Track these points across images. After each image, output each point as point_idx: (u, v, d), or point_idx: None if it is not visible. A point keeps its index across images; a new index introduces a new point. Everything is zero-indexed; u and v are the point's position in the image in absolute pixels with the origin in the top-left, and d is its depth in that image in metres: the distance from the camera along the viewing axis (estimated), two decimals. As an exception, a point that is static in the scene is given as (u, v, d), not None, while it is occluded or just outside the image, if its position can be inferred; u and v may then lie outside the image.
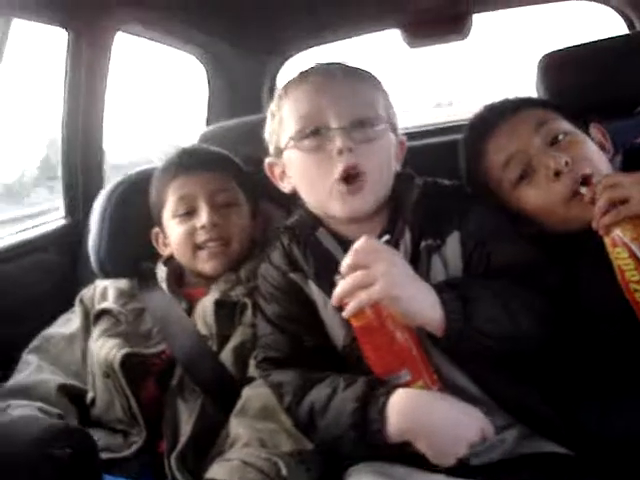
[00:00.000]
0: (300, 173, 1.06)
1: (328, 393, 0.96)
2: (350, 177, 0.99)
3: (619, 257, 0.90)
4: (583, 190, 1.00)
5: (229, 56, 2.39)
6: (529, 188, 1.10)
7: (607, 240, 0.92)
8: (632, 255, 0.88)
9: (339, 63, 1.09)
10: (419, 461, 0.88)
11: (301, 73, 1.08)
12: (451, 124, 2.25)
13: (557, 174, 1.04)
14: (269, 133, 1.12)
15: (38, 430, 0.87)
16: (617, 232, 0.90)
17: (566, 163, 1.04)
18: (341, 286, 0.87)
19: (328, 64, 1.09)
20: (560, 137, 1.09)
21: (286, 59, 2.60)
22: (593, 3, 2.39)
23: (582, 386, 0.98)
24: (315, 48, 2.58)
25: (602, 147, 1.14)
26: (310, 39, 2.52)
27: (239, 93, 2.44)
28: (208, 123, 2.44)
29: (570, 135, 1.10)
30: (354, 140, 1.00)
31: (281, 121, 1.07)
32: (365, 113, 1.03)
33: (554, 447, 0.95)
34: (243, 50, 2.39)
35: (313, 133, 1.02)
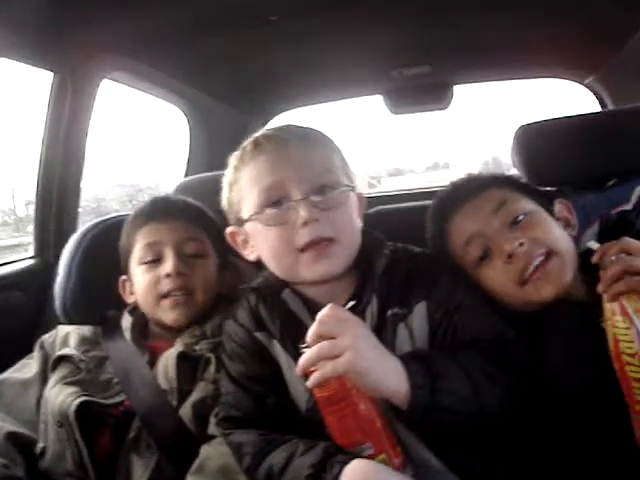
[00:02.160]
0: (264, 245, 1.05)
1: (286, 456, 0.93)
2: (315, 243, 0.99)
3: (617, 326, 0.87)
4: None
5: (213, 111, 2.44)
6: (488, 269, 1.10)
7: (607, 306, 0.90)
8: (632, 326, 0.86)
9: (291, 127, 1.09)
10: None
11: (255, 142, 1.06)
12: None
13: (510, 256, 1.06)
14: (228, 203, 1.11)
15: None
16: (623, 301, 0.88)
17: (521, 244, 1.05)
18: (306, 356, 0.86)
19: (281, 129, 1.08)
20: (520, 217, 1.10)
21: (269, 118, 2.66)
22: (569, 82, 2.50)
23: (553, 466, 0.95)
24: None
25: (567, 223, 1.16)
26: (294, 101, 2.59)
27: (220, 147, 2.46)
28: (187, 174, 2.45)
29: (530, 215, 1.11)
30: (318, 208, 0.99)
31: (240, 192, 1.06)
32: (324, 179, 1.02)
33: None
34: (227, 106, 2.42)
35: (275, 205, 1.01)
